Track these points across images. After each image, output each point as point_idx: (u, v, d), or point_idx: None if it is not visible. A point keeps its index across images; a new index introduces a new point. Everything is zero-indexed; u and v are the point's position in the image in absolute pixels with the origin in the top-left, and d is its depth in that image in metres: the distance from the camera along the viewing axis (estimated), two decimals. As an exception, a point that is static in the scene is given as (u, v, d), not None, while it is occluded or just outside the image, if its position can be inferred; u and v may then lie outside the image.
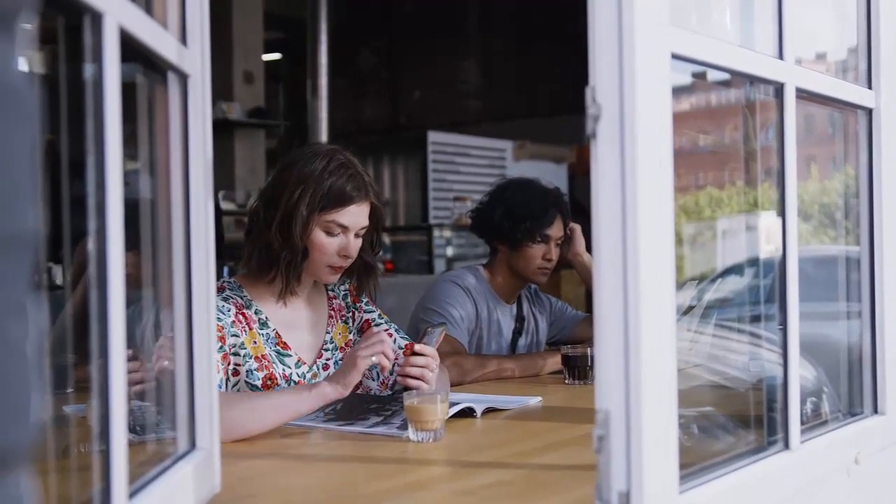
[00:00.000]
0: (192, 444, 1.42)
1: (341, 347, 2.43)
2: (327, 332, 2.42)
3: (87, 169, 1.06)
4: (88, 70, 1.05)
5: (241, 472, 1.73)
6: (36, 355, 0.63)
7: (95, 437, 1.12)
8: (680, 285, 1.31)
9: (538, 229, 3.07)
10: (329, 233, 2.27)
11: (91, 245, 1.05)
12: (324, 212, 2.25)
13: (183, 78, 1.40)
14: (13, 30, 0.61)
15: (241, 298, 2.28)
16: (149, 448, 1.45)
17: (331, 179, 2.25)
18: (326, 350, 2.41)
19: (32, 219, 0.62)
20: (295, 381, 2.29)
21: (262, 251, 2.28)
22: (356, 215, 2.29)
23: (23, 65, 0.62)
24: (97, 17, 1.03)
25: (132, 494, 1.13)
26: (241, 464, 1.78)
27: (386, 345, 2.08)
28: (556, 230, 3.10)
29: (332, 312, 2.45)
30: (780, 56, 1.57)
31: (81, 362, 1.19)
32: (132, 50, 1.16)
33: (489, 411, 2.26)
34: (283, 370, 2.28)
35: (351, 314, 2.49)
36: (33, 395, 0.62)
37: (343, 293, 2.50)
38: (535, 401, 2.43)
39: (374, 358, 2.05)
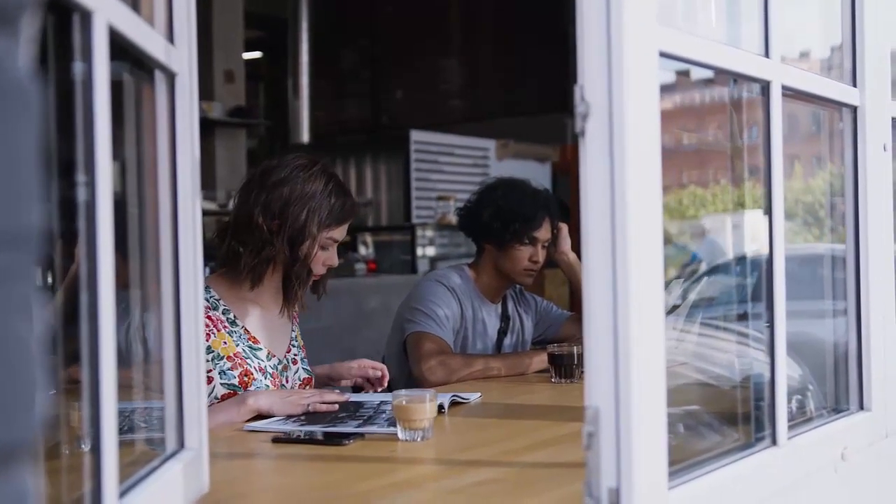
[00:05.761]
0: (181, 444, 1.42)
1: (302, 346, 2.57)
2: (293, 331, 2.55)
3: (73, 168, 1.05)
4: (77, 68, 1.05)
5: (230, 472, 1.72)
6: (40, 351, 0.63)
7: (82, 438, 1.11)
8: (665, 284, 1.32)
9: (527, 231, 3.07)
10: (323, 247, 2.40)
11: (78, 245, 1.05)
12: (328, 229, 2.38)
13: (170, 77, 1.40)
14: (17, 28, 0.61)
15: (208, 300, 2.31)
16: (136, 448, 1.45)
17: (333, 199, 2.38)
18: (294, 346, 2.53)
19: (37, 216, 0.62)
20: (270, 374, 2.38)
21: (263, 263, 2.35)
22: (346, 229, 2.45)
23: (26, 63, 0.62)
24: (86, 16, 1.03)
25: (122, 494, 1.13)
26: (229, 464, 1.78)
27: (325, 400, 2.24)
28: (544, 233, 3.10)
29: (294, 315, 2.58)
30: (766, 54, 1.58)
31: (66, 363, 1.19)
32: (120, 48, 1.15)
33: (455, 404, 2.32)
34: (258, 363, 2.37)
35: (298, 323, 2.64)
36: (38, 391, 0.63)
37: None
38: (475, 396, 2.46)
39: (310, 407, 2.20)
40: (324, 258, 2.40)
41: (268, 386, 2.35)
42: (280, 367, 2.44)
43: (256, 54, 10.68)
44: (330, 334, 5.56)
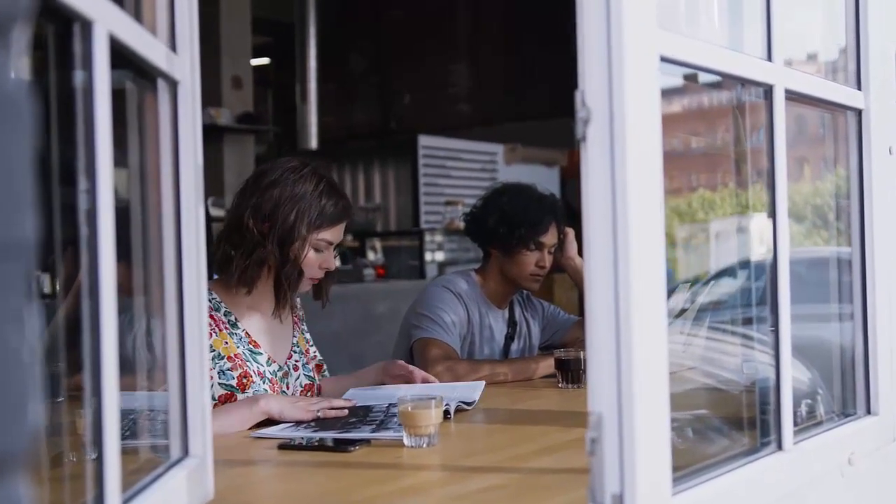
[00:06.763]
0: (185, 452, 1.42)
1: (305, 352, 2.56)
2: (294, 336, 2.54)
3: (76, 176, 1.05)
4: (78, 77, 1.05)
5: (235, 479, 1.72)
6: (33, 361, 0.63)
7: (87, 445, 1.12)
8: (673, 288, 1.31)
9: (533, 237, 3.06)
10: (317, 249, 2.39)
11: (82, 253, 1.05)
12: (318, 230, 2.37)
13: (173, 84, 1.40)
14: (8, 38, 0.61)
15: (210, 301, 2.32)
16: (141, 455, 1.45)
17: (324, 200, 2.37)
18: (295, 352, 2.53)
19: (30, 227, 0.63)
20: (269, 379, 2.39)
21: (255, 265, 2.35)
22: (341, 232, 2.44)
23: (19, 73, 0.63)
24: (87, 25, 1.03)
25: (125, 502, 1.13)
26: (234, 471, 1.78)
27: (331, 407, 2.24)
28: (550, 238, 3.10)
29: (296, 320, 2.58)
30: (769, 58, 1.57)
31: (72, 371, 1.19)
32: (121, 57, 1.15)
33: (460, 411, 2.31)
34: (258, 368, 2.37)
35: (304, 326, 2.63)
36: (31, 401, 0.63)
37: (299, 306, 2.65)
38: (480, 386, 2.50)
39: (319, 413, 2.19)
40: (319, 261, 2.39)
41: (266, 390, 2.35)
42: (280, 373, 2.44)
43: (264, 60, 10.69)
44: (339, 339, 5.56)
